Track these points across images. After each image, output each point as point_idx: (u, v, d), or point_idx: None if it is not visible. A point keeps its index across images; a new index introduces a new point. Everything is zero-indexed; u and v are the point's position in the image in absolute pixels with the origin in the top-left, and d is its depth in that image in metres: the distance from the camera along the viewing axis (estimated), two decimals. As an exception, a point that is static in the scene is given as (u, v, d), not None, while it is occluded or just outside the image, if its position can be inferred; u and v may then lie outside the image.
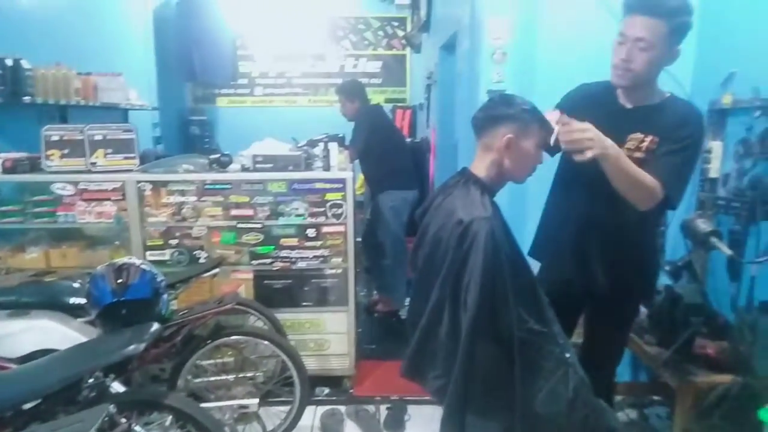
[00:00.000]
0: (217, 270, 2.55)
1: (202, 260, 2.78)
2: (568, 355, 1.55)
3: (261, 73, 6.57)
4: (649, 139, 1.62)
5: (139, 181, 2.70)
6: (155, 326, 1.73)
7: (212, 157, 2.89)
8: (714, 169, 2.38)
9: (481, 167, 1.62)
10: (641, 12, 1.56)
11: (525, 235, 2.04)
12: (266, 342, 2.37)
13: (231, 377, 2.37)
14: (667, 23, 1.53)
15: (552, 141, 1.59)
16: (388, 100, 6.51)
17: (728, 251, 1.93)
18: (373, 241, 4.06)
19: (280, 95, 6.63)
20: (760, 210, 2.00)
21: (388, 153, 3.87)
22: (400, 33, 6.59)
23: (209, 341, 2.27)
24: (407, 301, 4.21)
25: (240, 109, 6.59)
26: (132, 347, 1.61)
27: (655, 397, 2.82)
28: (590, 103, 1.74)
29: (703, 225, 1.91)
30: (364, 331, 3.70)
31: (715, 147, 2.39)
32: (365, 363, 3.20)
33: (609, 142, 1.53)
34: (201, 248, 2.80)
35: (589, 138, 1.51)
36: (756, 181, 2.25)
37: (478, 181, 1.60)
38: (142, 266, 1.93)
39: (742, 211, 2.04)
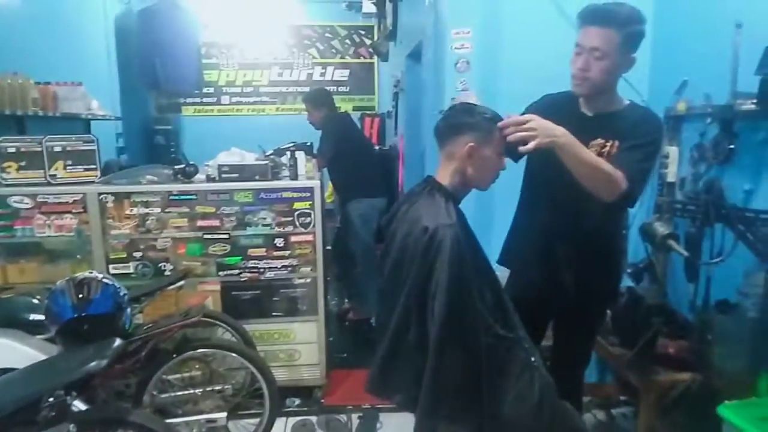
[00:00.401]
0: (182, 282, 2.51)
1: (167, 273, 2.73)
2: (533, 359, 1.58)
3: (227, 82, 6.52)
4: (610, 143, 1.66)
5: (100, 193, 2.64)
6: (118, 342, 1.69)
7: (177, 167, 2.85)
8: (671, 174, 2.46)
9: (445, 175, 1.64)
10: (594, 23, 1.62)
11: (491, 242, 2.07)
12: (234, 354, 2.34)
13: (198, 391, 2.33)
14: (619, 32, 1.58)
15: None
16: (356, 108, 6.53)
17: (684, 253, 2.00)
18: (344, 249, 4.05)
19: (246, 104, 6.59)
20: (714, 213, 2.08)
21: (357, 161, 3.87)
22: (368, 41, 6.63)
23: (175, 355, 2.23)
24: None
25: (206, 119, 6.52)
26: (94, 364, 1.57)
27: (622, 398, 2.88)
28: (553, 111, 1.77)
29: (661, 228, 1.97)
30: (336, 340, 3.68)
31: (672, 152, 2.47)
32: (337, 372, 3.18)
33: (560, 130, 1.54)
34: (166, 260, 2.75)
35: (531, 128, 1.54)
36: (709, 185, 2.33)
37: (442, 189, 1.62)
38: (104, 280, 1.89)
39: (697, 214, 2.11)
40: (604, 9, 1.64)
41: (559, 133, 1.55)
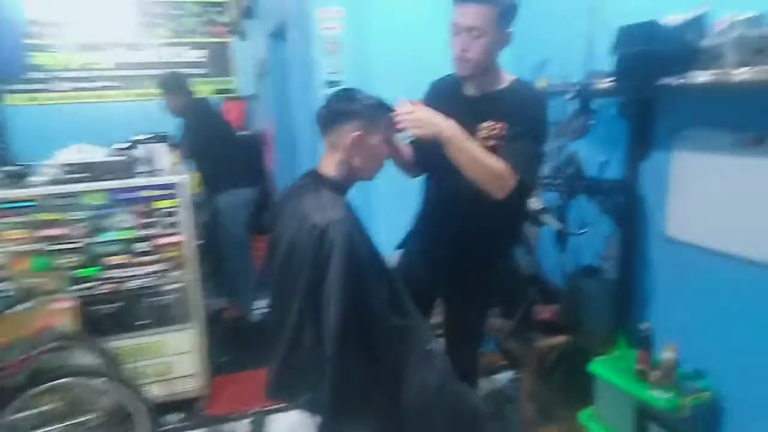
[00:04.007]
0: (28, 304, 2.16)
1: (7, 294, 2.33)
2: (430, 346, 1.57)
3: (62, 66, 5.74)
4: (499, 125, 1.65)
5: None
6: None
7: (6, 169, 2.43)
8: (537, 150, 2.59)
9: (329, 166, 1.55)
10: (469, 0, 1.59)
11: (374, 230, 2.03)
12: (98, 379, 2.07)
13: (59, 427, 2.03)
14: (494, 8, 1.57)
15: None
16: (215, 92, 6.12)
17: (559, 225, 2.12)
18: (214, 244, 3.79)
19: (88, 90, 5.86)
20: (577, 185, 2.22)
21: (222, 149, 3.61)
22: (223, 20, 6.21)
23: (25, 391, 1.90)
24: (256, 303, 4.05)
25: (39, 109, 5.70)
26: None
27: (502, 363, 3.03)
28: (439, 97, 1.77)
29: (534, 203, 2.06)
30: (214, 344, 3.43)
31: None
32: (220, 379, 2.98)
33: (446, 124, 1.55)
34: (3, 280, 2.34)
35: (415, 118, 1.54)
36: (569, 159, 2.50)
37: (328, 181, 1.53)
38: None
39: (562, 187, 2.24)
40: None
41: (444, 126, 1.54)
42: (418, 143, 1.75)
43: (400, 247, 2.03)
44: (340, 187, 1.55)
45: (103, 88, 5.89)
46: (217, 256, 3.78)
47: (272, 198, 4.30)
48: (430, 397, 1.49)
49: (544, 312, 2.41)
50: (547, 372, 2.21)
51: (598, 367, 2.08)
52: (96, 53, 5.80)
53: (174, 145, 3.25)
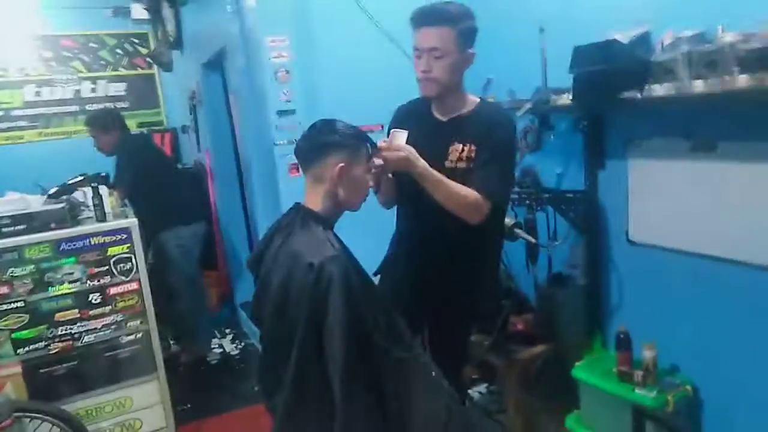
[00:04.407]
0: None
1: (-60, 366, 2.09)
2: (434, 374, 1.55)
3: (-34, 106, 5.28)
4: (467, 148, 1.68)
5: None
6: None
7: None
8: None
9: (315, 200, 1.51)
10: (428, 23, 1.63)
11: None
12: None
13: None
14: (453, 29, 1.61)
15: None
16: (141, 125, 5.83)
17: (532, 239, 2.18)
18: (161, 287, 3.58)
19: (-1, 131, 5.42)
20: (540, 197, 2.30)
21: (165, 186, 3.44)
22: (143, 50, 5.95)
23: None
24: (213, 342, 3.87)
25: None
26: None
27: (474, 377, 3.06)
28: (409, 121, 1.77)
29: (507, 219, 2.11)
30: (173, 392, 3.24)
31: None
32: (184, 429, 2.80)
33: (420, 162, 1.58)
34: (-65, 350, 2.09)
35: (404, 158, 1.57)
36: (526, 172, 2.59)
37: (315, 216, 1.48)
38: None
39: (528, 201, 2.31)
40: (435, 9, 1.65)
41: (417, 163, 1.58)
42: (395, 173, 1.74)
43: (377, 273, 2.00)
44: (327, 220, 1.51)
45: (13, 128, 5.47)
46: (166, 298, 3.57)
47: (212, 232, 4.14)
48: (441, 425, 1.47)
49: (518, 322, 2.46)
50: (530, 383, 2.25)
51: (581, 372, 2.14)
52: (2, 92, 5.39)
53: (110, 186, 3.06)
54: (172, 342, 3.90)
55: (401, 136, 1.63)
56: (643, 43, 1.90)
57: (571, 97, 1.96)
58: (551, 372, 2.25)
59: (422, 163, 1.59)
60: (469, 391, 2.97)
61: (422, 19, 1.65)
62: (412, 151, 1.59)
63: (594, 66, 1.81)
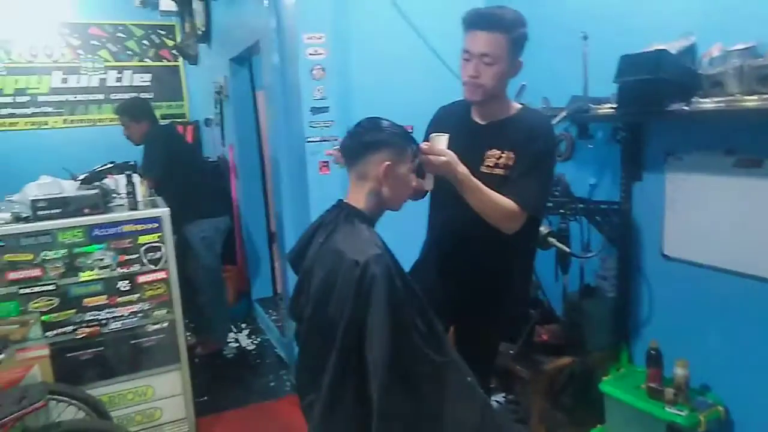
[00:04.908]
0: (1, 356, 1.94)
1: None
2: (469, 379, 1.54)
3: (-5, 90, 5.33)
4: (505, 155, 1.66)
5: None
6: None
7: (-33, 207, 2.20)
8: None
9: (358, 198, 1.50)
10: (481, 27, 1.58)
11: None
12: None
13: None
14: (507, 36, 1.58)
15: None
16: (164, 116, 5.86)
17: (567, 249, 2.16)
18: (183, 278, 3.59)
19: (22, 116, 5.47)
20: (575, 207, 2.28)
21: (192, 178, 3.45)
22: (170, 42, 6.00)
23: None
24: (229, 336, 3.88)
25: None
26: None
27: (491, 385, 3.04)
28: (448, 122, 1.75)
29: (541, 228, 2.09)
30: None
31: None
32: (202, 421, 2.80)
33: (460, 167, 1.56)
34: (-33, 329, 2.11)
35: (446, 162, 1.54)
36: (557, 181, 2.57)
37: (360, 214, 1.48)
38: None
39: (561, 210, 2.29)
40: (491, 13, 1.61)
41: (458, 169, 1.55)
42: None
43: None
44: (370, 219, 1.51)
45: (39, 114, 5.53)
46: (187, 290, 3.58)
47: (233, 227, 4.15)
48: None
49: (543, 333, 2.44)
50: (556, 394, 2.23)
51: (610, 386, 2.11)
52: (30, 77, 5.45)
53: (139, 175, 3.08)
54: (188, 334, 3.91)
55: (443, 140, 1.60)
56: (689, 54, 1.88)
57: (612, 106, 1.94)
58: (577, 384, 2.23)
59: (463, 168, 1.57)
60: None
61: (476, 22, 1.61)
62: (453, 156, 1.56)
63: (641, 75, 1.79)
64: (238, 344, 3.85)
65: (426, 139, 1.69)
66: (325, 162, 2.69)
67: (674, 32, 1.96)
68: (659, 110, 1.80)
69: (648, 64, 1.77)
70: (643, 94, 1.81)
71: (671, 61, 1.77)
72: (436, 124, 1.81)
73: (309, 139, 2.64)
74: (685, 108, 1.75)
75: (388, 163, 1.45)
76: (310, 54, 2.60)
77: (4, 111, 5.41)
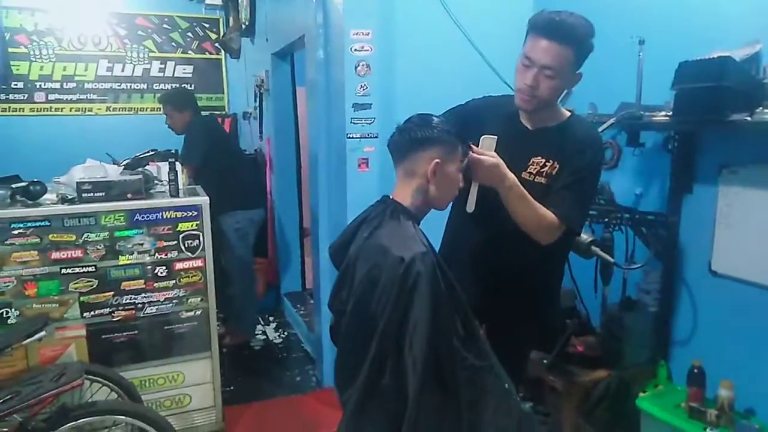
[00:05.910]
0: (43, 333, 1.98)
1: (11, 320, 2.15)
2: (507, 386, 1.50)
3: (40, 76, 5.48)
4: (550, 164, 1.60)
5: None
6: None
7: (16, 186, 2.25)
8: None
9: (405, 195, 1.48)
10: (550, 37, 1.49)
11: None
12: (124, 417, 1.90)
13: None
14: (574, 50, 1.50)
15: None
16: (203, 108, 5.93)
17: (611, 259, 2.10)
18: (215, 268, 3.62)
19: (68, 102, 5.61)
20: (620, 217, 2.21)
21: (230, 169, 3.49)
22: (213, 35, 6.08)
23: (51, 432, 1.72)
24: (257, 329, 3.90)
25: (15, 120, 5.41)
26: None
27: (520, 394, 2.97)
28: (494, 118, 1.69)
29: (584, 235, 2.04)
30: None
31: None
32: (230, 410, 2.81)
33: (510, 175, 1.52)
34: (9, 306, 2.15)
35: (495, 165, 1.50)
36: (600, 190, 2.50)
37: (406, 211, 1.45)
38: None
39: (606, 219, 2.22)
40: (562, 23, 1.50)
41: (508, 177, 1.51)
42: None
43: None
44: (415, 216, 1.48)
45: (83, 100, 5.67)
46: (219, 279, 3.61)
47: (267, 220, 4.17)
48: (510, 438, 1.42)
49: (577, 343, 2.38)
50: (591, 408, 2.16)
51: (647, 403, 2.05)
52: (77, 64, 5.59)
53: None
54: (217, 324, 3.94)
55: (491, 143, 1.57)
56: (754, 63, 1.80)
57: (667, 114, 1.88)
58: (612, 399, 2.16)
59: (511, 174, 1.52)
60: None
61: (546, 30, 1.50)
62: (501, 162, 1.52)
63: (701, 83, 1.72)
64: (265, 337, 3.87)
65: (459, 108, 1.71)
66: (364, 159, 2.68)
67: (738, 39, 1.88)
68: (719, 119, 1.73)
69: (710, 71, 1.69)
70: (703, 102, 1.74)
71: (735, 69, 1.70)
72: (480, 111, 1.76)
73: (349, 135, 2.64)
74: (748, 118, 1.68)
75: (437, 160, 1.43)
76: (356, 50, 2.60)
77: (52, 96, 5.56)
